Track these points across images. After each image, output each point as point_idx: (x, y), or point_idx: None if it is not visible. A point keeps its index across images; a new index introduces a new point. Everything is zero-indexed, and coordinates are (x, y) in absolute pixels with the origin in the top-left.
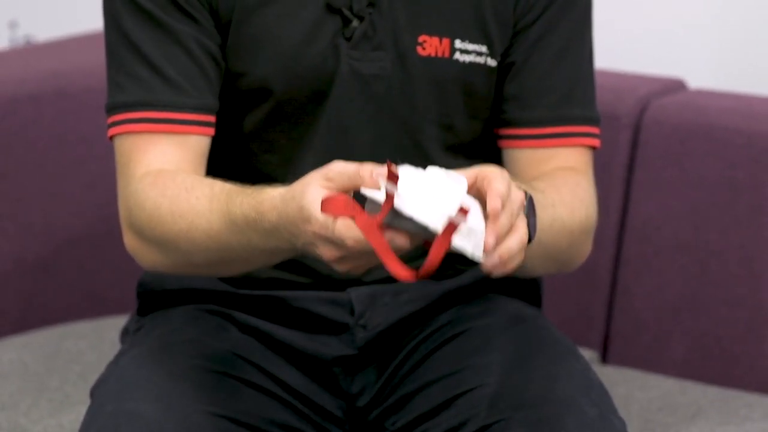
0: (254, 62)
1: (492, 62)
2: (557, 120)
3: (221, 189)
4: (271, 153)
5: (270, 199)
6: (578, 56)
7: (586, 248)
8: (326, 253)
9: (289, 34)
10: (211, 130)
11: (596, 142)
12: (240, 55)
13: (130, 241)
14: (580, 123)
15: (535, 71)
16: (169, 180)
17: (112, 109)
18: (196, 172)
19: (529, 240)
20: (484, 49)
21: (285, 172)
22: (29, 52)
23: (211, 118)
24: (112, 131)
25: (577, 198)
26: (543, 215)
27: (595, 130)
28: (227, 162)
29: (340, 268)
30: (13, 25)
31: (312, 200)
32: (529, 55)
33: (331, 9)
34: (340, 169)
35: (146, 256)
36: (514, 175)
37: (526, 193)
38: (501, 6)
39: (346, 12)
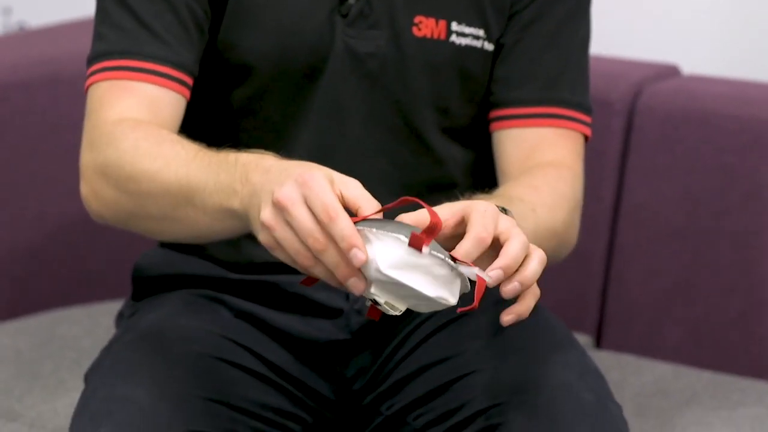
0: (249, 35)
1: (489, 46)
2: (544, 101)
3: (212, 150)
4: (263, 130)
5: (272, 155)
6: (570, 42)
7: (573, 240)
8: (283, 194)
9: (286, 8)
10: (187, 93)
11: (586, 130)
12: (235, 27)
13: (86, 185)
14: (568, 107)
15: (525, 54)
16: (154, 129)
17: (92, 59)
18: (168, 131)
19: None
20: (481, 32)
21: (277, 149)
22: (22, 38)
23: (189, 80)
24: (89, 80)
25: (557, 194)
26: (524, 225)
27: (585, 117)
28: (218, 141)
29: (270, 226)
30: (6, 11)
31: (323, 170)
32: (520, 38)
33: None
34: (353, 187)
35: (101, 200)
36: (503, 159)
37: (502, 209)
38: None
39: None
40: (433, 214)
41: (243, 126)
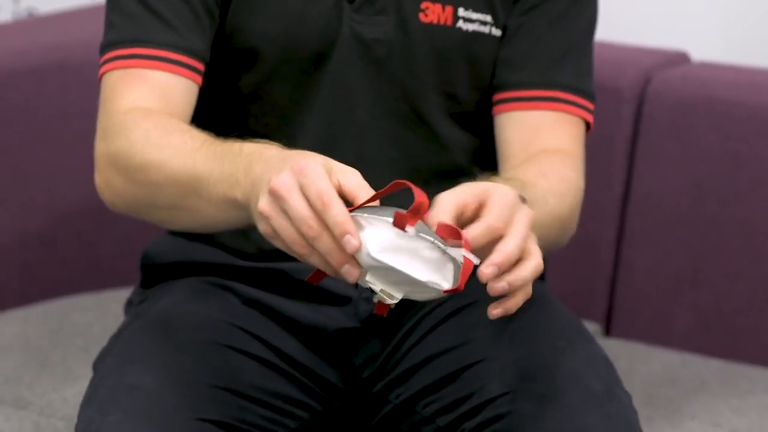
0: (257, 20)
1: (497, 32)
2: (545, 84)
3: (219, 139)
4: (270, 115)
5: (276, 145)
6: (574, 27)
7: (575, 227)
8: (279, 182)
9: None
10: (199, 79)
11: (587, 116)
12: (243, 11)
13: (100, 175)
14: (570, 91)
15: (528, 36)
16: (164, 118)
17: (104, 47)
18: (181, 120)
19: None
20: (488, 18)
21: (284, 135)
22: (31, 24)
23: (201, 66)
24: (102, 69)
25: (565, 181)
26: (537, 212)
27: (587, 103)
28: (225, 126)
29: (266, 214)
30: None
31: (321, 159)
32: (524, 21)
33: None
34: (352, 177)
35: (112, 189)
36: (504, 143)
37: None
38: None
39: None
40: (420, 195)
41: (251, 111)
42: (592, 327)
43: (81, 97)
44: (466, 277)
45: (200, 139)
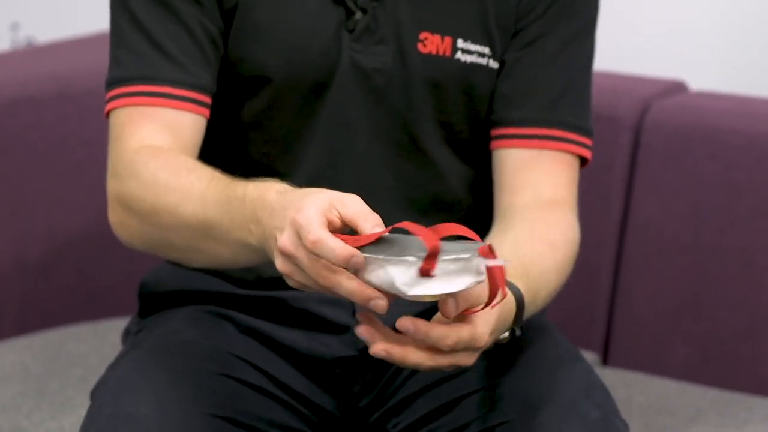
0: (256, 49)
1: (494, 64)
2: (544, 122)
3: (223, 176)
4: (271, 143)
5: (276, 184)
6: (573, 63)
7: (571, 268)
8: (284, 242)
9: (293, 22)
10: (207, 112)
11: (585, 153)
12: (243, 41)
13: (114, 214)
14: (568, 129)
15: (527, 72)
16: (171, 157)
17: (109, 84)
18: (190, 153)
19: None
20: (486, 50)
21: (285, 164)
22: (30, 53)
23: (208, 100)
24: (109, 106)
25: (569, 246)
26: (533, 296)
27: (585, 140)
28: (226, 154)
29: (287, 273)
30: (14, 26)
31: (316, 199)
32: (522, 55)
33: (336, 0)
34: (351, 205)
35: (128, 230)
36: (502, 178)
37: (518, 300)
38: (503, 8)
39: (350, 4)
40: (431, 239)
41: (251, 139)
42: (590, 356)
43: (80, 127)
44: (504, 282)
45: (206, 178)
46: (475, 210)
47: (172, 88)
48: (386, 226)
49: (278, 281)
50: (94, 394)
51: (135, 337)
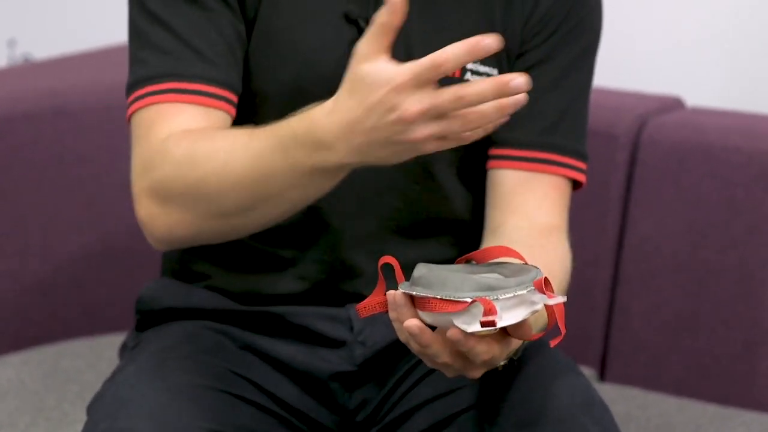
0: (269, 62)
1: None
2: (541, 145)
3: (257, 128)
4: None
5: (320, 107)
6: (572, 87)
7: (567, 285)
8: (414, 106)
9: (306, 40)
10: (234, 112)
11: (580, 177)
12: (256, 56)
13: (146, 209)
14: (565, 154)
15: (527, 95)
16: (200, 131)
17: (134, 84)
18: None
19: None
20: (495, 72)
21: None
22: (27, 70)
23: (235, 98)
24: (133, 107)
25: (558, 264)
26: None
27: (580, 164)
28: None
29: (426, 136)
30: (11, 43)
31: (366, 59)
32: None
33: (348, 19)
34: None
35: (165, 221)
36: (495, 198)
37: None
38: (510, 31)
39: (362, 23)
40: (486, 302)
41: None
42: (588, 372)
43: (77, 143)
44: (563, 319)
45: (245, 134)
46: (473, 229)
47: (201, 84)
48: (390, 252)
49: (276, 297)
50: (91, 410)
51: (132, 352)
